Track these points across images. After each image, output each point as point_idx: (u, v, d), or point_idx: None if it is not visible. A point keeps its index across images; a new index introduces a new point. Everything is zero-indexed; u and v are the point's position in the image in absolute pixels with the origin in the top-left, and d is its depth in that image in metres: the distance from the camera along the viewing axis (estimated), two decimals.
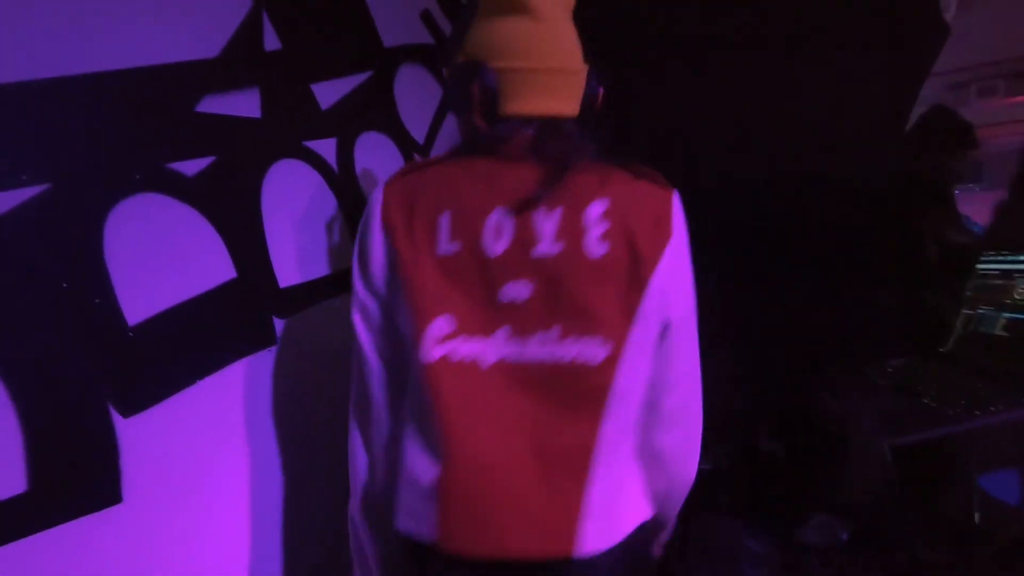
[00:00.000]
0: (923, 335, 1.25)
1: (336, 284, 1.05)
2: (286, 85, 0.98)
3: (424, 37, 1.37)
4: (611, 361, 0.65)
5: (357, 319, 0.73)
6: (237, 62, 0.88)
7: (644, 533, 0.75)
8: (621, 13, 1.45)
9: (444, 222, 0.67)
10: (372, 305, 0.71)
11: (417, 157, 1.28)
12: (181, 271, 0.78)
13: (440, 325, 0.66)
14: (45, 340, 0.62)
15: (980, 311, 1.19)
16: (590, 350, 0.65)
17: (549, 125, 0.70)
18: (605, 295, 0.65)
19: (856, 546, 1.07)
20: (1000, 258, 1.18)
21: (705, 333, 0.73)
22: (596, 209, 0.65)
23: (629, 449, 0.71)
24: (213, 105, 0.84)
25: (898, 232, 1.37)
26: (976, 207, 1.71)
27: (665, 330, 0.68)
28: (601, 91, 0.74)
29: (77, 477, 0.64)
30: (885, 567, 1.04)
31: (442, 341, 0.66)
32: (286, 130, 0.97)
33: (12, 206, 0.60)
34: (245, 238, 0.88)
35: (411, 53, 1.31)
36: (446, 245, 0.67)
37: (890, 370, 1.20)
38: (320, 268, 1.04)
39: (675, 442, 0.73)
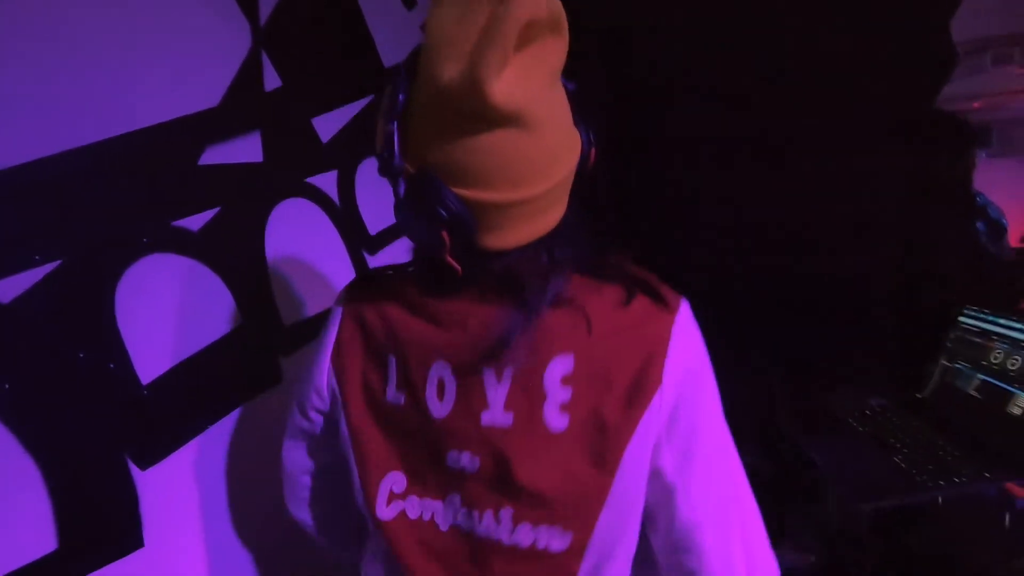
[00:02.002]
0: (907, 375, 1.27)
1: None
2: (287, 123, 0.98)
3: None
4: (575, 552, 0.54)
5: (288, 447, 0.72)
6: (238, 108, 0.88)
7: None
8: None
9: (392, 366, 0.59)
10: (310, 434, 0.69)
11: None
12: (190, 324, 0.81)
13: (393, 480, 0.60)
14: (66, 409, 0.66)
15: (957, 365, 1.18)
16: (548, 539, 0.54)
17: (530, 251, 0.54)
18: (562, 479, 0.53)
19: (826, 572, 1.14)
20: (982, 315, 1.17)
21: None
22: (556, 370, 0.53)
23: None
24: (216, 155, 0.85)
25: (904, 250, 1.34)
26: (983, 174, 1.63)
27: (663, 497, 0.55)
28: (593, 152, 0.56)
29: (102, 529, 0.69)
30: None
31: (395, 499, 0.60)
32: (288, 170, 0.97)
33: (28, 286, 0.63)
34: (250, 283, 0.90)
35: None
36: (393, 393, 0.59)
37: (868, 413, 1.22)
38: (323, 300, 1.06)
39: None
